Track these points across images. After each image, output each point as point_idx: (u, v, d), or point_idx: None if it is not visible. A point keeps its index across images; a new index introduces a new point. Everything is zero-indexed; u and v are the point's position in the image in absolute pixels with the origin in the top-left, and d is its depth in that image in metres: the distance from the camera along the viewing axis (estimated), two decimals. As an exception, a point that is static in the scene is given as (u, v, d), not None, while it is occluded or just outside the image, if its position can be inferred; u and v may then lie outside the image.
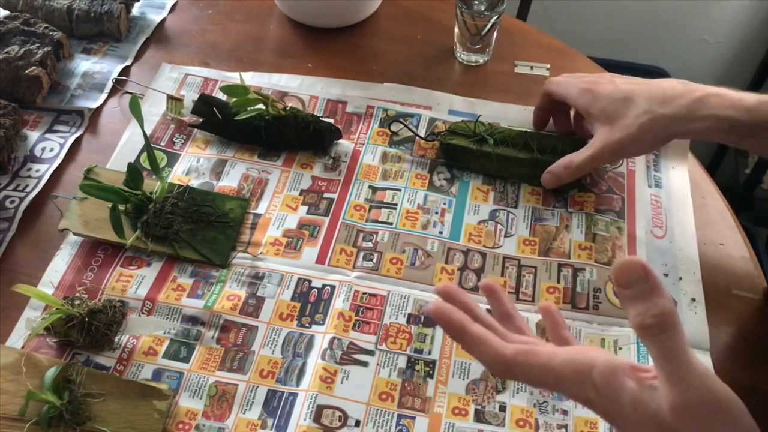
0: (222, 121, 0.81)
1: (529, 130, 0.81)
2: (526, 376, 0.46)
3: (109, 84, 0.88)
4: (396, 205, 0.77)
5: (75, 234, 0.72)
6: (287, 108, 0.81)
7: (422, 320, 0.68)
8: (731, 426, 0.40)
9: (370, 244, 0.73)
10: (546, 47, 0.96)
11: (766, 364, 0.67)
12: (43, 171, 0.79)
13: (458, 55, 0.93)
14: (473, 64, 0.93)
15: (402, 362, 0.65)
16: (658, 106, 0.68)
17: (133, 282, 0.70)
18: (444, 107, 0.87)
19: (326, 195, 0.78)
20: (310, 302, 0.69)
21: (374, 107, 0.86)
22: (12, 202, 0.76)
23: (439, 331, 0.67)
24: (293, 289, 0.70)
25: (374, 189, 0.78)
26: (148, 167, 0.74)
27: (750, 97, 0.67)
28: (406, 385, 0.64)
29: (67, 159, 0.81)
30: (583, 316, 0.69)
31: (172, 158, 0.81)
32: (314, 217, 0.76)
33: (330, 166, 0.80)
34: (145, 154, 0.80)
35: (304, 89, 0.88)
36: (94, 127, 0.85)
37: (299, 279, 0.71)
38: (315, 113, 0.84)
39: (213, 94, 0.87)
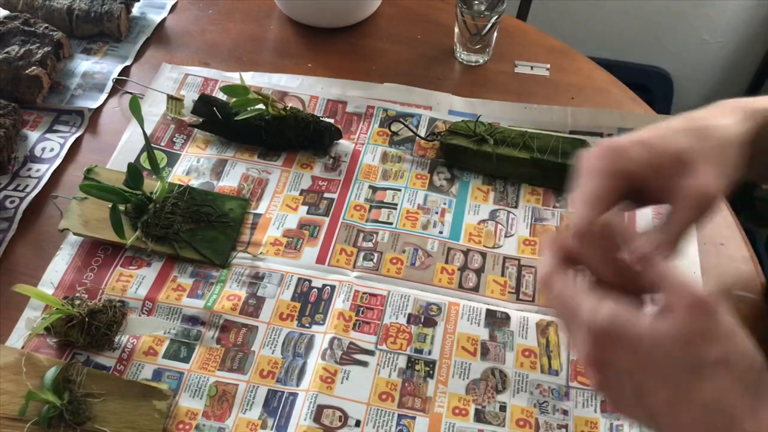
0: (222, 121, 0.81)
1: (529, 130, 0.81)
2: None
3: (109, 84, 0.88)
4: (396, 205, 0.77)
5: (75, 234, 0.72)
6: (287, 108, 0.81)
7: (422, 320, 0.68)
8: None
9: (370, 244, 0.73)
10: (546, 47, 0.96)
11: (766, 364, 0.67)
12: (43, 171, 0.79)
13: (458, 55, 0.93)
14: (473, 64, 0.93)
15: (402, 362, 0.65)
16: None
17: (133, 282, 0.70)
18: (444, 107, 0.87)
19: (326, 195, 0.78)
20: (310, 302, 0.69)
21: (374, 107, 0.86)
22: (12, 202, 0.76)
23: (439, 331, 0.67)
24: (293, 289, 0.70)
25: (374, 189, 0.78)
26: (148, 167, 0.74)
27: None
28: (406, 385, 0.64)
29: (67, 159, 0.81)
30: (583, 316, 0.68)
31: (172, 158, 0.81)
32: (314, 217, 0.76)
33: (330, 166, 0.80)
34: (145, 154, 0.80)
35: (304, 89, 0.88)
36: (94, 127, 0.85)
37: (299, 279, 0.71)
38: (315, 113, 0.84)
39: (213, 94, 0.86)
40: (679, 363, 0.40)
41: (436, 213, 0.76)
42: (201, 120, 0.82)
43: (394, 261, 0.72)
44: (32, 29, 0.87)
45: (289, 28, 0.98)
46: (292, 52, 0.95)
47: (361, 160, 0.81)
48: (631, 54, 1.69)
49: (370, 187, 0.79)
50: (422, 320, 0.68)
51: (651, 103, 0.91)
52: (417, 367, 0.65)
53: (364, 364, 0.65)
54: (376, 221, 0.75)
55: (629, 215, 0.48)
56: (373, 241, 0.74)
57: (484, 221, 0.76)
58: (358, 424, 0.61)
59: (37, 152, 0.81)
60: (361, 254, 0.73)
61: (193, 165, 0.80)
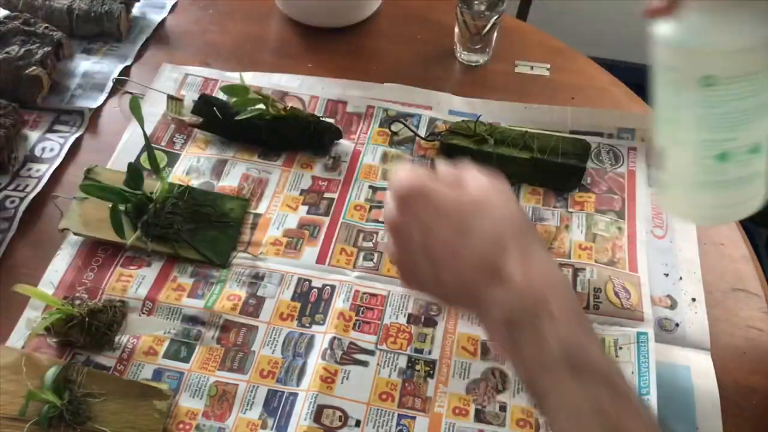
0: (222, 121, 0.81)
1: (529, 130, 0.80)
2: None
3: (110, 84, 0.88)
4: (396, 205, 0.77)
5: (75, 234, 0.72)
6: (287, 108, 0.81)
7: (422, 320, 0.68)
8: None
9: (370, 244, 0.73)
10: (546, 47, 0.96)
11: (766, 364, 0.67)
12: (44, 171, 0.79)
13: (458, 55, 0.93)
14: (473, 64, 0.93)
15: (402, 362, 0.65)
16: None
17: (133, 282, 0.70)
18: (444, 107, 0.87)
19: (326, 195, 0.78)
20: (310, 302, 0.69)
21: (374, 107, 0.86)
22: (12, 202, 0.76)
23: (439, 331, 0.67)
24: (293, 289, 0.70)
25: (374, 189, 0.78)
26: (149, 167, 0.74)
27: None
28: (406, 384, 0.64)
29: (68, 159, 0.81)
30: (583, 316, 0.68)
31: (173, 158, 0.81)
32: (314, 217, 0.76)
33: (330, 166, 0.80)
34: (145, 154, 0.80)
35: (305, 89, 0.88)
36: (95, 127, 0.85)
37: (299, 279, 0.71)
38: (315, 113, 0.84)
39: (213, 94, 0.87)
40: (462, 211, 0.49)
41: (436, 213, 0.76)
42: (201, 120, 0.82)
43: (394, 261, 0.72)
44: (32, 29, 0.87)
45: (289, 28, 0.98)
46: (292, 52, 0.95)
47: (362, 160, 0.81)
48: (631, 54, 1.69)
49: (371, 187, 0.79)
50: (422, 320, 0.68)
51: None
52: (417, 367, 0.65)
53: (365, 364, 0.65)
54: (377, 221, 0.75)
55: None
56: (373, 241, 0.74)
57: (484, 221, 0.76)
58: (358, 424, 0.61)
59: (37, 152, 0.81)
60: (361, 254, 0.73)
61: (193, 165, 0.80)
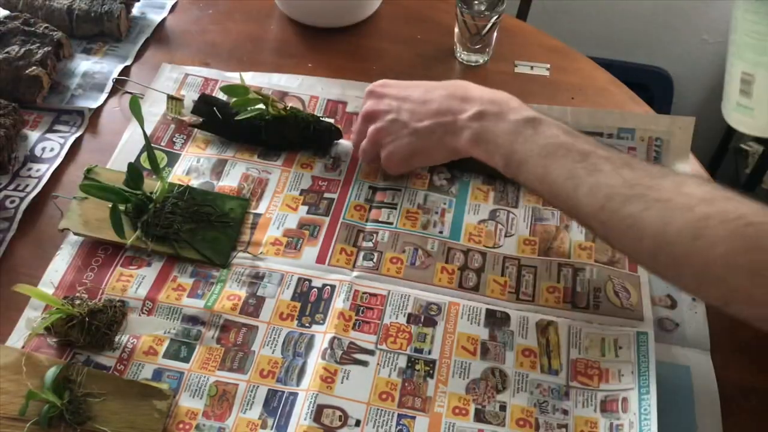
0: (222, 121, 0.81)
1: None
2: None
3: (110, 84, 0.88)
4: (396, 205, 0.77)
5: (75, 234, 0.72)
6: (287, 108, 0.81)
7: (422, 320, 0.68)
8: None
9: (370, 244, 0.73)
10: (546, 47, 0.96)
11: (766, 364, 0.67)
12: (44, 171, 0.79)
13: (458, 55, 0.93)
14: (473, 64, 0.93)
15: (402, 362, 0.65)
16: None
17: (133, 282, 0.70)
18: (444, 107, 0.87)
19: (326, 195, 0.78)
20: (310, 302, 0.69)
21: (374, 107, 0.86)
22: (12, 202, 0.76)
23: (439, 331, 0.67)
24: (293, 289, 0.70)
25: (374, 189, 0.78)
26: (149, 167, 0.74)
27: None
28: (406, 384, 0.64)
29: (68, 159, 0.81)
30: (583, 315, 0.69)
31: (173, 158, 0.81)
32: (314, 217, 0.76)
33: (330, 166, 0.80)
34: (145, 154, 0.80)
35: (305, 89, 0.88)
36: (95, 127, 0.85)
37: (299, 279, 0.71)
38: (315, 113, 0.84)
39: (213, 94, 0.87)
40: (426, 83, 0.74)
41: (436, 213, 0.76)
42: (201, 120, 0.82)
43: (394, 261, 0.72)
44: (32, 29, 0.87)
45: (289, 28, 0.98)
46: (292, 52, 0.95)
47: (361, 160, 0.81)
48: (631, 54, 1.69)
49: (370, 187, 0.79)
50: (422, 320, 0.68)
51: (651, 103, 0.91)
52: (417, 367, 0.65)
53: (364, 363, 0.65)
54: (376, 221, 0.75)
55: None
56: (373, 240, 0.74)
57: (484, 221, 0.76)
58: (358, 423, 0.61)
59: (37, 152, 0.81)
60: (361, 254, 0.73)
61: (193, 165, 0.80)
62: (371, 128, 0.74)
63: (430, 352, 0.66)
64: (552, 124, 0.64)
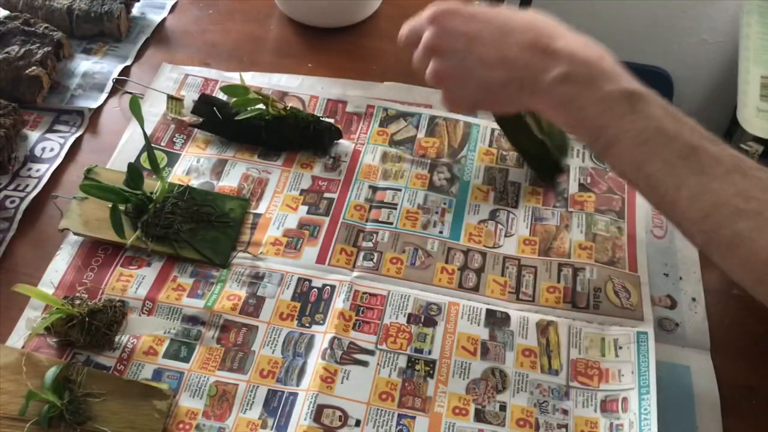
0: (222, 121, 0.81)
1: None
2: None
3: (110, 84, 0.88)
4: (396, 204, 0.77)
5: (75, 234, 0.72)
6: (287, 108, 0.81)
7: (422, 320, 0.68)
8: None
9: (370, 244, 0.73)
10: (546, 47, 0.96)
11: (766, 364, 0.67)
12: (44, 171, 0.79)
13: (458, 55, 0.93)
14: (473, 64, 0.93)
15: (402, 362, 0.65)
16: None
17: (133, 282, 0.70)
18: (444, 107, 0.87)
19: (326, 195, 0.78)
20: (310, 302, 0.69)
21: (374, 107, 0.86)
22: (12, 202, 0.76)
23: (439, 331, 0.67)
24: (293, 289, 0.70)
25: (374, 189, 0.78)
26: (149, 167, 0.74)
27: None
28: (406, 384, 0.64)
29: (68, 159, 0.81)
30: (583, 315, 0.69)
31: (173, 158, 0.81)
32: (314, 217, 0.76)
33: (330, 166, 0.80)
34: (145, 154, 0.80)
35: (305, 89, 0.88)
36: (95, 127, 0.85)
37: (299, 279, 0.71)
38: (315, 113, 0.84)
39: (213, 94, 0.87)
40: (498, 18, 0.61)
41: (436, 213, 0.76)
42: (201, 120, 0.82)
43: (394, 261, 0.72)
44: (32, 29, 0.87)
45: (289, 28, 0.98)
46: (292, 52, 0.95)
47: (361, 160, 0.81)
48: (631, 54, 1.69)
49: (370, 187, 0.79)
50: (422, 320, 0.68)
51: (651, 103, 0.91)
52: (417, 367, 0.65)
53: (364, 363, 0.65)
54: (376, 221, 0.75)
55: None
56: (373, 240, 0.74)
57: (484, 221, 0.76)
58: (358, 423, 0.61)
59: (37, 152, 0.81)
60: (361, 254, 0.73)
61: (193, 165, 0.80)
62: (431, 67, 0.64)
63: (430, 352, 0.66)
64: (653, 103, 0.54)
